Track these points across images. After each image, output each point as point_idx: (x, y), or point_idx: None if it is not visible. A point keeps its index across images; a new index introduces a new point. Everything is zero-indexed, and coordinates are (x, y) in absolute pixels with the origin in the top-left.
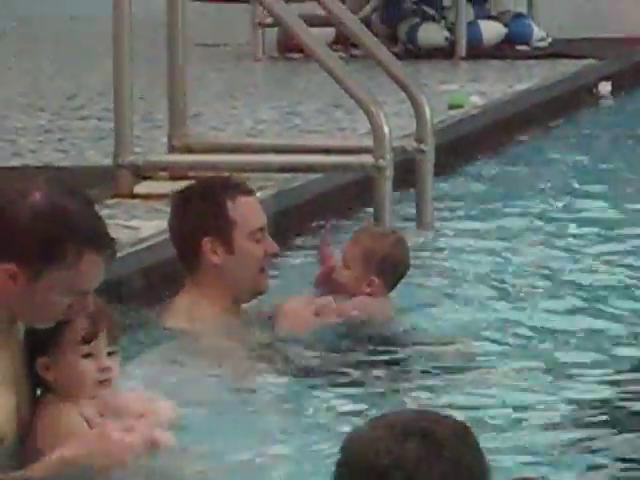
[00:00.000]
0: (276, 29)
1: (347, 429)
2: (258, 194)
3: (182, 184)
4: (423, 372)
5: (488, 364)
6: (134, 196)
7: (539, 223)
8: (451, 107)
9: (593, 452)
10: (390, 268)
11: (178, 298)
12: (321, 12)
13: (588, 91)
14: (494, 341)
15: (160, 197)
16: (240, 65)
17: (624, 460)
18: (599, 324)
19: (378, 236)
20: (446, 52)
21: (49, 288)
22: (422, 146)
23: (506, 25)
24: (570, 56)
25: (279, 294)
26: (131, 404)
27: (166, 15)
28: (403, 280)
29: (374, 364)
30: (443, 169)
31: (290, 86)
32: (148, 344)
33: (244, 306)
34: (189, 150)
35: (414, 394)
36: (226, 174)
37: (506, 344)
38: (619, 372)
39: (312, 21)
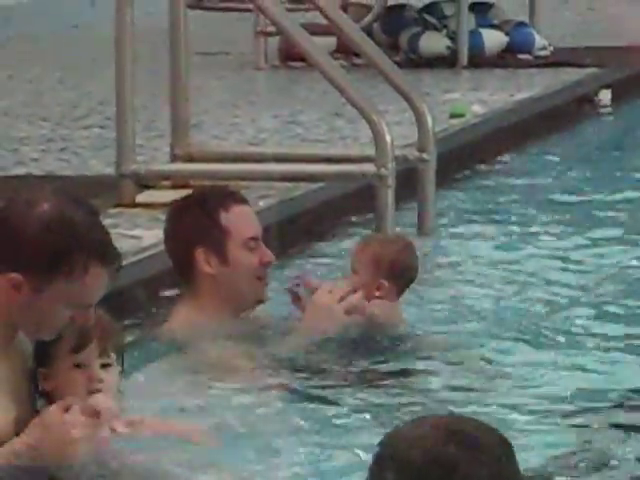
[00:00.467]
0: (278, 38)
1: (355, 435)
2: (261, 203)
3: (184, 193)
4: (432, 376)
5: (493, 369)
6: (136, 205)
7: (540, 232)
8: (453, 116)
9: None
10: (399, 272)
11: (175, 309)
12: (323, 21)
13: (589, 100)
14: (498, 347)
15: (162, 206)
16: (242, 74)
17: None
18: (604, 332)
19: (386, 241)
20: (448, 61)
21: (53, 300)
22: (424, 155)
23: (508, 34)
24: (572, 65)
25: (277, 303)
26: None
27: (168, 24)
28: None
29: (383, 368)
30: (445, 178)
31: (292, 95)
32: (146, 356)
33: (243, 315)
34: (191, 159)
35: (424, 398)
36: (223, 184)
37: (510, 350)
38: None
39: (314, 30)
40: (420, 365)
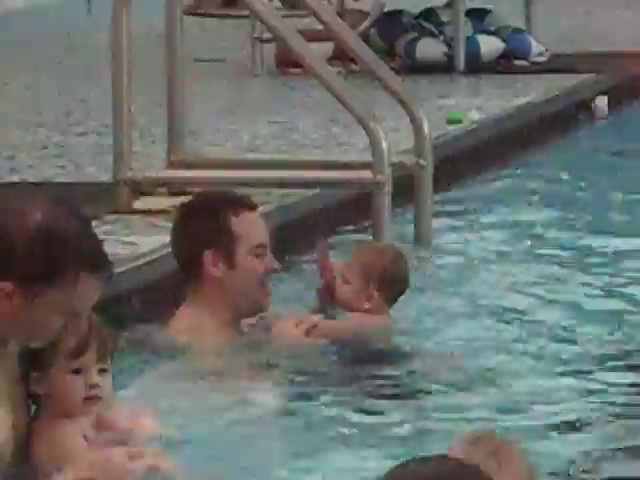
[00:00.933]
0: (274, 44)
1: (347, 447)
2: (260, 208)
3: (181, 200)
4: (421, 388)
5: (487, 380)
6: (133, 212)
7: (538, 239)
8: (450, 122)
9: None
10: (389, 283)
11: (179, 311)
12: (319, 27)
13: (585, 106)
14: (492, 357)
15: (159, 213)
16: (238, 80)
17: None
18: (602, 339)
19: (377, 251)
20: (444, 67)
21: (45, 308)
22: (421, 161)
23: (504, 40)
24: (568, 71)
25: (279, 309)
26: (122, 420)
27: (164, 30)
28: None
29: (372, 380)
30: (442, 184)
31: (288, 101)
32: (148, 358)
33: (244, 322)
34: (188, 166)
35: (412, 410)
36: (226, 189)
37: (505, 361)
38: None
39: (310, 36)
40: (407, 377)
